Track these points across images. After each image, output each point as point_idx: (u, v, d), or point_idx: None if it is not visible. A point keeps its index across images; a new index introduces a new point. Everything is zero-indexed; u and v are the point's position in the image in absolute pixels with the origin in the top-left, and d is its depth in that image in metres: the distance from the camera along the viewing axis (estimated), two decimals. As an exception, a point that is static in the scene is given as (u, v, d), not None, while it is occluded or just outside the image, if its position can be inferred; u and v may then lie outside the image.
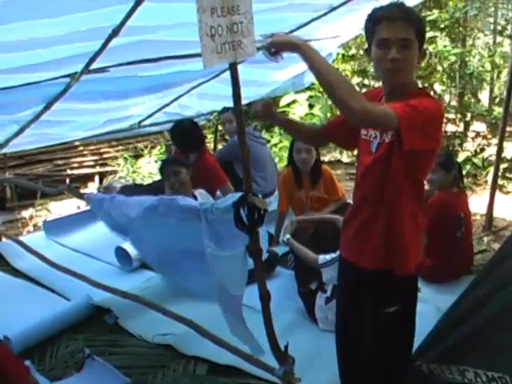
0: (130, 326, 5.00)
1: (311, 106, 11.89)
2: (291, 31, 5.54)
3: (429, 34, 10.54)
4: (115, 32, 3.78)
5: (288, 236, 5.26)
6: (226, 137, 10.50)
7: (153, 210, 3.84)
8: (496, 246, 6.64)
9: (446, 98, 11.62)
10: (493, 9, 12.08)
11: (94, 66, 4.32)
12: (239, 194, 3.23)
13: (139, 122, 7.39)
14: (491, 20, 12.34)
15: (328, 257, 4.66)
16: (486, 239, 6.94)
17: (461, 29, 11.01)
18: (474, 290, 3.92)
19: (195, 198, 5.35)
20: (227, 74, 4.99)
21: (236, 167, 5.56)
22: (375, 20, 2.83)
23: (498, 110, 11.37)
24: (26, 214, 9.33)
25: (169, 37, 4.26)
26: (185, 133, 6.90)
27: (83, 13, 3.40)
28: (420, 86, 9.74)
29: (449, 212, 5.63)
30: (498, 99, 11.95)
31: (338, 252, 3.62)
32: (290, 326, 4.72)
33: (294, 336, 4.10)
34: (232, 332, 3.71)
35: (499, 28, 12.00)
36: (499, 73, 11.88)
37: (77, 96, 4.85)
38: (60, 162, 10.90)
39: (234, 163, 5.52)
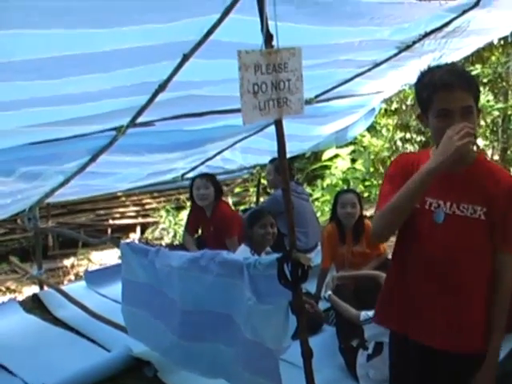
0: (170, 379, 4.93)
1: (353, 161, 11.90)
2: (335, 87, 5.58)
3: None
4: (162, 87, 3.86)
5: (329, 292, 5.20)
6: (268, 190, 10.54)
7: (195, 261, 3.85)
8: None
9: (489, 152, 11.54)
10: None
11: (139, 119, 4.40)
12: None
13: (182, 175, 7.45)
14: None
15: (370, 313, 4.58)
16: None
17: (504, 83, 10.97)
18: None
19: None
20: (270, 129, 5.04)
21: (278, 222, 5.52)
22: (432, 89, 2.62)
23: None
24: (67, 262, 9.40)
25: (214, 92, 4.32)
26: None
27: (130, 68, 3.48)
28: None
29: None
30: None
31: None
32: (331, 382, 4.63)
33: (334, 393, 4.02)
34: None
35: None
36: None
37: (122, 149, 4.93)
38: (102, 212, 11.01)
39: (275, 218, 5.48)
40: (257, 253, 5.01)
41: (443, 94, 2.56)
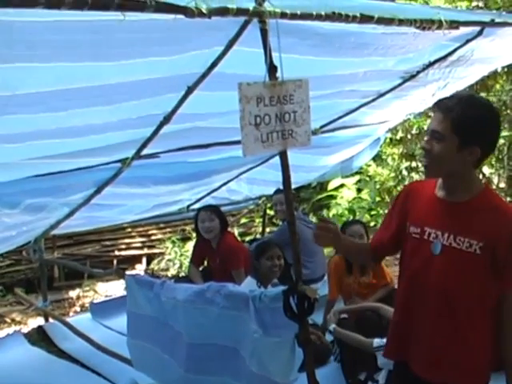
0: (176, 413, 4.92)
1: (359, 190, 11.89)
2: (340, 117, 5.59)
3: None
4: (166, 119, 3.87)
5: (333, 325, 5.16)
6: (274, 221, 10.51)
7: (200, 294, 3.84)
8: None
9: (495, 180, 11.51)
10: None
11: (144, 151, 4.41)
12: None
13: (188, 206, 7.45)
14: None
15: (385, 340, 4.54)
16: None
17: (508, 111, 10.97)
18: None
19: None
20: (276, 160, 5.03)
21: (285, 252, 5.49)
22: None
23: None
24: (73, 294, 9.37)
25: (219, 124, 4.33)
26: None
27: (135, 101, 3.49)
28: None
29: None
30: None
31: None
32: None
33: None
34: None
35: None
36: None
37: (127, 181, 4.93)
38: (108, 243, 10.98)
39: (283, 248, 5.46)
40: (263, 285, 4.98)
41: (432, 114, 2.69)
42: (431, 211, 2.80)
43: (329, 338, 5.61)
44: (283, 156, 3.09)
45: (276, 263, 5.19)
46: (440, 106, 2.62)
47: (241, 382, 3.65)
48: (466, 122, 2.56)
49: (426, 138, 2.65)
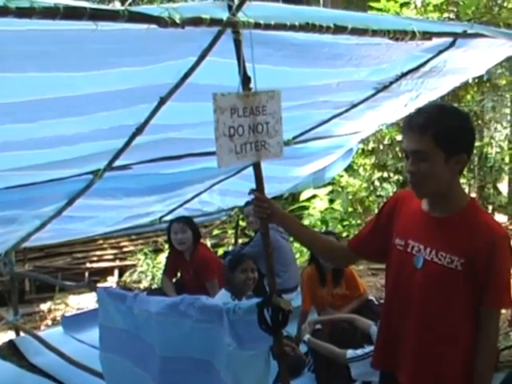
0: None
1: (331, 201, 11.92)
2: (313, 128, 5.59)
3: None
4: (139, 130, 3.83)
5: (308, 336, 5.16)
6: (246, 232, 10.48)
7: (174, 307, 3.79)
8: (523, 341, 6.48)
9: (466, 190, 11.59)
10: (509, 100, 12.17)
11: (116, 163, 4.37)
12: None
13: (160, 217, 7.40)
14: (508, 111, 12.43)
15: (359, 351, 4.54)
16: (512, 334, 6.78)
17: (479, 121, 11.08)
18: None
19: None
20: (248, 171, 5.02)
21: (259, 263, 5.49)
22: (402, 129, 2.72)
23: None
24: (44, 307, 9.30)
25: (192, 135, 4.31)
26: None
27: (107, 112, 3.46)
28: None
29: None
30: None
31: (370, 348, 3.49)
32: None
33: None
34: None
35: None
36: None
37: (99, 192, 4.89)
38: (79, 255, 10.93)
39: (257, 259, 5.45)
40: (237, 298, 4.96)
41: (405, 134, 2.66)
42: (416, 224, 2.81)
43: (303, 349, 5.60)
44: (257, 167, 3.07)
45: (250, 276, 5.17)
46: (412, 125, 2.61)
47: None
48: (448, 133, 2.56)
49: (409, 161, 2.63)
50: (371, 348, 3.82)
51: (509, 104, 12.14)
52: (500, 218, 11.25)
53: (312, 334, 5.24)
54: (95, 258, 11.10)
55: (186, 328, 3.66)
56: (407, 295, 2.80)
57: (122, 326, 4.31)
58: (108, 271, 11.07)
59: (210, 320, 3.53)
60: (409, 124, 2.63)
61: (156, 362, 3.92)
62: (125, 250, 11.38)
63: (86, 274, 10.79)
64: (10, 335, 7.32)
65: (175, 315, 3.74)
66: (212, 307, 3.58)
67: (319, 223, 11.42)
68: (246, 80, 2.89)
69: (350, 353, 4.58)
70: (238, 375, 3.35)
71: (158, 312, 3.87)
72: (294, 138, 5.72)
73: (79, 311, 8.21)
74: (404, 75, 4.64)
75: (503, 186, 12.39)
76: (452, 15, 10.20)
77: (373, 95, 4.98)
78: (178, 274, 6.67)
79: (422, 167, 2.58)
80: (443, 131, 2.55)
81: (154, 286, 9.48)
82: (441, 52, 4.26)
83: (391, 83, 4.78)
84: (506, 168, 11.92)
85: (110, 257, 11.26)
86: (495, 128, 12.39)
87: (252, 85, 2.90)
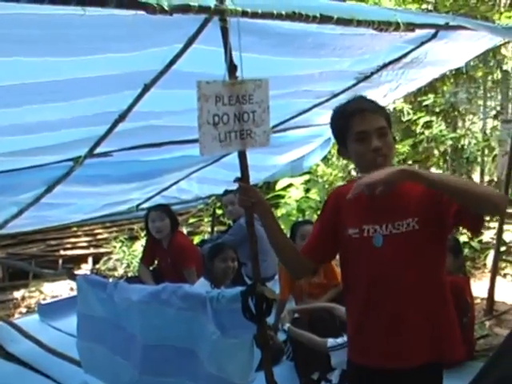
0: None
1: (307, 190, 11.91)
2: (293, 117, 5.59)
3: (425, 119, 10.70)
4: (122, 117, 3.81)
5: (288, 325, 5.17)
6: (222, 220, 10.48)
7: (155, 295, 3.79)
8: (498, 330, 6.55)
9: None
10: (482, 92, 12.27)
11: (97, 150, 4.34)
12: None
13: (137, 205, 7.38)
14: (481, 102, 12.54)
15: (339, 340, 4.56)
16: (487, 323, 6.84)
17: (456, 113, 11.15)
18: (482, 379, 3.85)
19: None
20: (227, 159, 5.00)
21: (239, 251, 5.49)
22: (346, 116, 2.79)
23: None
24: (17, 294, 9.21)
25: (174, 122, 4.30)
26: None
27: (91, 98, 3.43)
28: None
29: (459, 297, 5.55)
30: (489, 181, 12.06)
31: None
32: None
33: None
34: None
35: (493, 112, 12.19)
36: (494, 156, 11.97)
37: (78, 179, 4.85)
38: (53, 243, 10.84)
39: (236, 247, 5.45)
40: (216, 286, 4.95)
41: (358, 117, 2.74)
42: (364, 210, 2.85)
43: (281, 337, 5.62)
44: (242, 156, 3.06)
45: (230, 265, 5.18)
46: (368, 108, 2.78)
47: (198, 383, 3.62)
48: (388, 115, 2.86)
49: (373, 139, 2.70)
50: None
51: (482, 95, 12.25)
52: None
53: (291, 323, 5.25)
54: (69, 246, 11.03)
55: (169, 316, 3.66)
56: (372, 275, 2.84)
57: (102, 314, 4.30)
58: (82, 259, 11.00)
59: (192, 308, 3.54)
60: (364, 108, 2.77)
61: (138, 350, 3.91)
62: (99, 237, 11.32)
63: (60, 261, 10.71)
64: (-16, 323, 7.27)
65: (157, 303, 3.74)
66: (195, 296, 3.58)
67: (295, 212, 11.41)
68: (232, 68, 2.88)
69: (330, 342, 4.59)
70: (221, 363, 3.36)
71: (140, 300, 3.86)
72: (274, 126, 5.70)
73: (55, 299, 8.16)
74: (385, 66, 4.65)
75: (476, 178, 12.47)
76: (430, 7, 10.25)
77: (354, 85, 5.00)
78: (156, 262, 6.64)
79: (387, 141, 2.74)
80: (387, 114, 2.87)
81: (130, 274, 9.46)
82: (423, 43, 4.29)
83: (372, 74, 4.80)
84: (479, 159, 12.03)
85: (85, 244, 11.19)
86: (470, 120, 12.48)
87: (238, 73, 2.89)
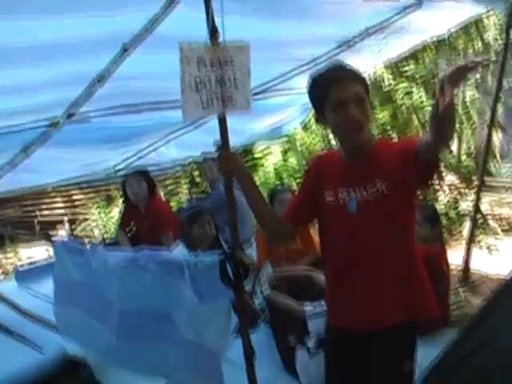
0: (106, 379, 4.84)
1: (286, 156, 11.89)
2: (274, 81, 5.56)
3: (405, 87, 10.68)
4: (100, 79, 3.75)
5: (267, 290, 5.19)
6: (200, 186, 10.46)
7: (133, 261, 3.75)
8: (472, 299, 6.61)
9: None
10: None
11: (75, 112, 4.28)
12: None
13: (115, 169, 7.33)
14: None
15: (318, 309, 4.57)
16: (462, 293, 6.91)
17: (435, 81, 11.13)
18: (457, 346, 3.89)
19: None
20: (206, 124, 4.94)
21: (216, 216, 5.48)
22: (326, 83, 2.76)
23: (468, 162, 11.51)
24: (-6, 258, 9.18)
25: (153, 85, 4.24)
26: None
27: (70, 59, 3.38)
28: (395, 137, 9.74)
29: (434, 265, 5.58)
30: (467, 151, 12.10)
31: None
32: (271, 381, 4.58)
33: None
34: None
35: (473, 82, 12.18)
36: (474, 127, 12.00)
37: (55, 142, 4.80)
38: (29, 207, 10.76)
39: (215, 213, 5.44)
40: (194, 252, 4.94)
41: (336, 85, 2.70)
42: (341, 175, 2.89)
43: (258, 302, 5.64)
44: (222, 121, 3.03)
45: (207, 231, 5.17)
46: (345, 76, 2.74)
47: (175, 349, 3.60)
48: (366, 83, 2.82)
49: (350, 108, 2.69)
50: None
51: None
52: (450, 178, 11.34)
53: (271, 288, 5.28)
54: (46, 209, 10.95)
55: (146, 282, 3.64)
56: (350, 242, 2.87)
57: (79, 279, 4.27)
58: (59, 223, 10.94)
59: (170, 274, 3.51)
60: (341, 76, 2.74)
61: (115, 314, 3.89)
62: (76, 202, 11.24)
63: (37, 225, 10.65)
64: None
65: (135, 269, 3.70)
66: (173, 261, 3.56)
67: (273, 177, 11.41)
68: (214, 32, 2.83)
69: (308, 308, 4.60)
70: (198, 329, 3.35)
71: (118, 265, 3.83)
72: (255, 92, 5.67)
73: (32, 263, 8.11)
74: (368, 32, 4.62)
75: (454, 148, 12.49)
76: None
77: (335, 51, 4.96)
78: (133, 227, 6.62)
79: (364, 109, 2.72)
80: (365, 81, 2.82)
81: (107, 237, 9.43)
82: (407, 12, 4.27)
83: (354, 38, 4.77)
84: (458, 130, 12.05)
85: (61, 208, 11.12)
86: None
87: (220, 37, 2.84)
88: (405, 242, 2.88)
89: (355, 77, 2.76)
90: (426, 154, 2.61)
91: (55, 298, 4.54)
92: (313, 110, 2.94)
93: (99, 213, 10.58)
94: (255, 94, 5.66)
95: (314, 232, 6.42)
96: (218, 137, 3.04)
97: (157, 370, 3.87)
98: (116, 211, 10.22)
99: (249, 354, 3.31)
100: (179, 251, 4.85)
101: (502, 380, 3.56)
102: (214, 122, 3.14)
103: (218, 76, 2.84)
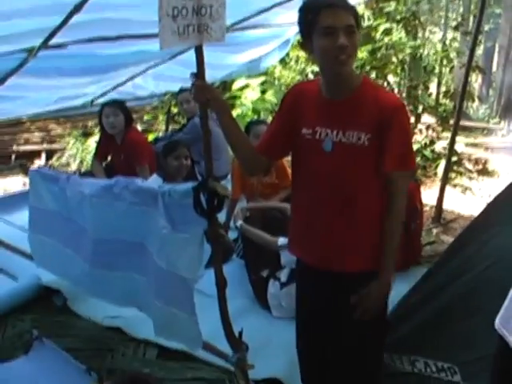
0: (79, 307, 4.89)
1: (264, 92, 11.87)
2: (252, 15, 5.51)
3: (386, 26, 10.64)
4: (77, 8, 3.71)
5: (241, 222, 5.25)
6: (177, 118, 10.42)
7: (107, 189, 3.77)
8: (445, 237, 6.75)
9: (396, 89, 11.68)
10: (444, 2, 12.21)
11: (52, 41, 4.24)
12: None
13: (92, 100, 7.28)
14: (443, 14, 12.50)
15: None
16: (434, 231, 7.03)
17: (416, 21, 11.09)
18: (427, 282, 3.99)
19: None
20: (184, 56, 4.92)
21: (192, 149, 5.49)
22: (315, 9, 2.73)
23: (446, 103, 11.55)
24: (-32, 189, 9.14)
25: (131, 15, 4.20)
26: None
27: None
28: (374, 76, 9.72)
29: (407, 203, 5.66)
30: (446, 92, 12.12)
31: None
32: (242, 312, 4.65)
33: (246, 323, 3.99)
34: (157, 333, 3.82)
35: (453, 23, 12.16)
36: (452, 68, 12.02)
37: (32, 71, 4.75)
38: (5, 138, 10.69)
39: (190, 145, 5.46)
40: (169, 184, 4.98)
41: (328, 12, 2.69)
42: (321, 112, 2.89)
43: (231, 235, 5.71)
44: (199, 51, 3.03)
45: (183, 163, 5.22)
46: (338, 4, 2.72)
47: (147, 277, 3.66)
48: (358, 15, 2.82)
49: (340, 36, 2.68)
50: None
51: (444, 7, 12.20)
52: (427, 119, 11.39)
53: (245, 220, 5.34)
54: (22, 141, 10.90)
55: (120, 210, 3.67)
56: (319, 181, 2.91)
57: (54, 208, 4.28)
58: (35, 154, 10.91)
59: (144, 203, 3.55)
60: (335, 3, 2.72)
61: (88, 243, 3.93)
62: (53, 133, 11.19)
63: (13, 157, 10.61)
64: None
65: (109, 197, 3.73)
66: (147, 190, 3.59)
67: (250, 113, 11.39)
68: (191, -40, 2.82)
69: (281, 240, 4.65)
70: (171, 258, 3.39)
71: (92, 194, 3.85)
72: (233, 24, 5.63)
73: (7, 193, 8.10)
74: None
75: (433, 88, 12.52)
76: None
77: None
78: (109, 158, 6.62)
79: (354, 40, 2.72)
80: (357, 13, 2.80)
81: (83, 170, 9.41)
82: None
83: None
84: (437, 71, 12.06)
85: (38, 140, 11.07)
86: (430, 30, 12.45)
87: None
88: (373, 190, 2.89)
89: (348, 6, 2.74)
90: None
91: (30, 226, 4.57)
92: (292, 46, 2.94)
93: (76, 145, 10.52)
94: (234, 30, 5.64)
95: (289, 166, 6.46)
96: (195, 69, 3.04)
97: (129, 299, 3.95)
98: (93, 143, 10.17)
99: (221, 285, 3.39)
100: (153, 181, 4.88)
101: (461, 315, 3.68)
102: (190, 55, 3.13)
103: (194, 5, 2.83)
